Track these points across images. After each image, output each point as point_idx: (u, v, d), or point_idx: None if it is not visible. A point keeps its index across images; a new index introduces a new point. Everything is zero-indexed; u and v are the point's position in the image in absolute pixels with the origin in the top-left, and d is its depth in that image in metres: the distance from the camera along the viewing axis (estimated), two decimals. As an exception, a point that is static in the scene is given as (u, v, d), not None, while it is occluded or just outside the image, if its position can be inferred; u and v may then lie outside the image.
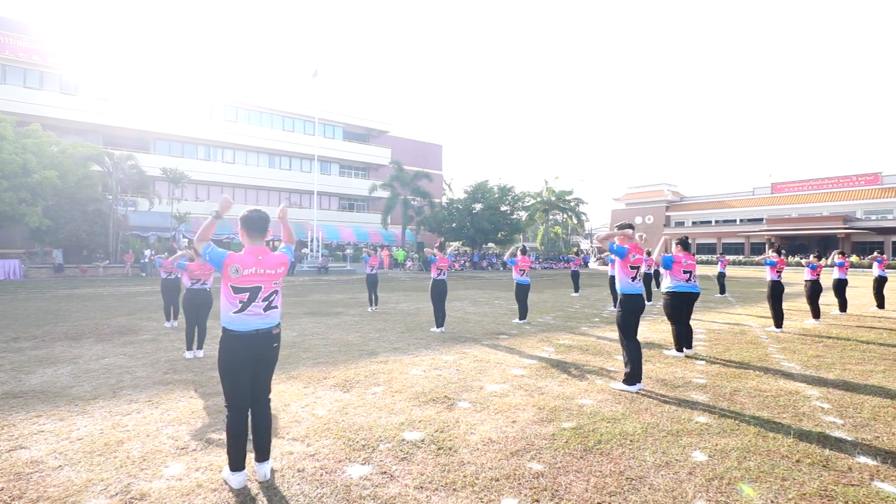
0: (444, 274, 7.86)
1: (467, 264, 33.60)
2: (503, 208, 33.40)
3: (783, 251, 10.48)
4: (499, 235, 33.34)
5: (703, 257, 46.95)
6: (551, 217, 44.21)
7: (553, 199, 39.29)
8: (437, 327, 7.79)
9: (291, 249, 2.99)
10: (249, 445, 2.77)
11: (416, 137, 46.46)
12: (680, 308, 6.08)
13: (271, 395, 2.94)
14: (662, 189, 61.79)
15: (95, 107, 29.52)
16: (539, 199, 39.03)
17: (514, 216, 34.14)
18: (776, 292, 8.44)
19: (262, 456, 2.77)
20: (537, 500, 2.54)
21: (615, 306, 11.96)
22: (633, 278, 4.80)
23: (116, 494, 2.56)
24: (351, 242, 34.31)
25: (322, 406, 4.06)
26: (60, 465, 2.91)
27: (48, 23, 29.31)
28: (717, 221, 56.97)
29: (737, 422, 3.73)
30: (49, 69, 28.81)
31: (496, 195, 32.94)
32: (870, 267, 12.86)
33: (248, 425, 2.73)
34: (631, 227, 4.84)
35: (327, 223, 32.64)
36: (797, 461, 3.03)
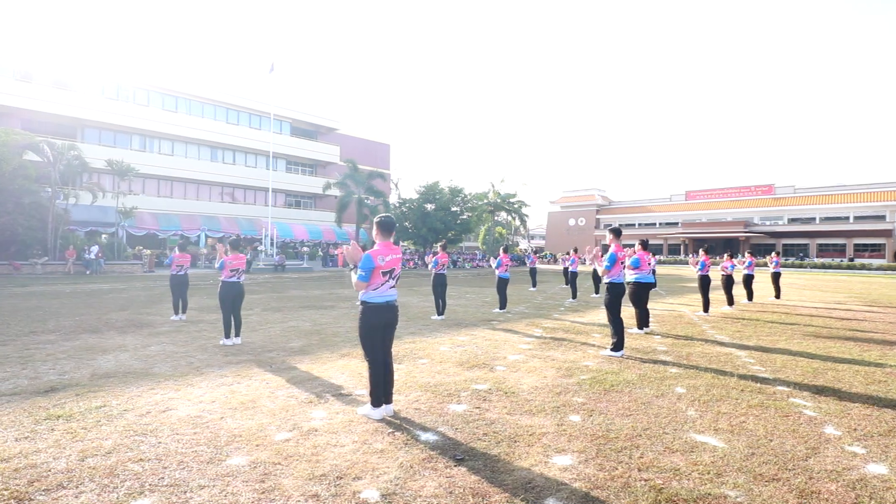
0: (444, 269, 8.93)
1: (420, 262, 34.65)
2: (453, 209, 34.84)
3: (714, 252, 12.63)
4: (449, 235, 34.71)
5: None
6: (496, 217, 46.44)
7: (499, 200, 41.45)
8: (438, 315, 8.84)
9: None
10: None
11: (364, 136, 46.60)
12: (642, 295, 7.63)
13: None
14: (593, 194, 66.69)
15: (14, 88, 26.89)
16: (486, 201, 40.99)
17: (464, 216, 35.71)
18: (705, 284, 10.43)
19: (389, 399, 3.74)
20: (590, 416, 3.74)
21: (596, 293, 14.04)
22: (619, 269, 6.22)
23: (294, 429, 3.41)
24: (305, 240, 34.00)
25: (388, 373, 4.99)
26: (222, 417, 3.66)
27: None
28: (639, 224, 62.61)
29: (697, 371, 5.21)
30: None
31: (447, 196, 34.29)
32: (766, 265, 15.63)
33: (385, 373, 3.69)
34: (619, 231, 6.29)
35: (278, 220, 32.13)
36: (742, 390, 4.50)
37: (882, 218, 43.87)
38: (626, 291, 7.79)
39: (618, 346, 5.99)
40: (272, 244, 27.42)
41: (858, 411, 3.92)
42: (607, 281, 6.23)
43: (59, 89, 28.34)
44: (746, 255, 13.19)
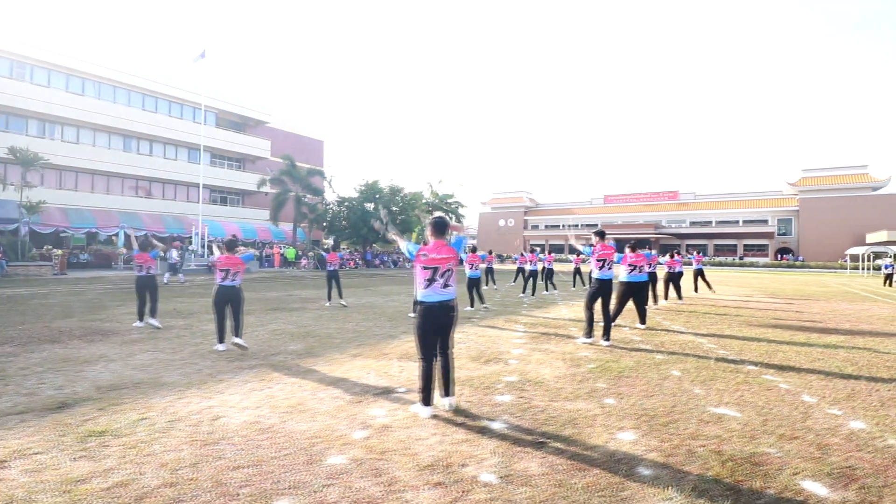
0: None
1: (361, 262, 34.12)
2: (394, 208, 34.74)
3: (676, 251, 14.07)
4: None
5: (555, 255, 54.76)
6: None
7: (436, 201, 42.00)
8: (415, 314, 8.99)
9: (460, 242, 4.18)
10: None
11: (297, 131, 44.78)
12: (627, 293, 8.15)
13: (454, 350, 4.06)
14: (522, 196, 69.78)
15: None
16: (424, 201, 41.30)
17: (404, 216, 35.74)
18: (651, 281, 11.65)
19: (449, 392, 3.93)
20: (621, 398, 4.24)
21: (546, 290, 14.89)
22: (601, 268, 6.89)
23: (366, 428, 3.49)
24: (240, 240, 31.96)
25: (411, 371, 5.15)
26: (283, 421, 3.63)
27: None
28: (563, 226, 66.63)
29: (679, 356, 5.98)
30: None
31: (387, 195, 34.12)
32: (689, 264, 17.64)
33: (433, 373, 3.85)
34: (603, 233, 6.94)
35: (209, 218, 29.88)
36: (724, 370, 5.29)
37: (765, 222, 50.89)
38: (622, 289, 8.05)
39: (588, 333, 6.73)
40: (203, 244, 25.52)
41: (817, 382, 4.83)
42: (596, 276, 6.87)
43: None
44: (676, 254, 14.82)
